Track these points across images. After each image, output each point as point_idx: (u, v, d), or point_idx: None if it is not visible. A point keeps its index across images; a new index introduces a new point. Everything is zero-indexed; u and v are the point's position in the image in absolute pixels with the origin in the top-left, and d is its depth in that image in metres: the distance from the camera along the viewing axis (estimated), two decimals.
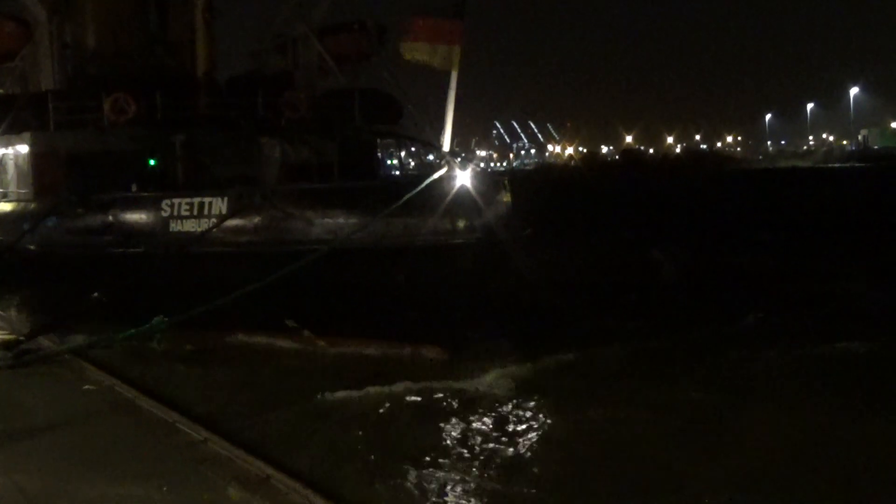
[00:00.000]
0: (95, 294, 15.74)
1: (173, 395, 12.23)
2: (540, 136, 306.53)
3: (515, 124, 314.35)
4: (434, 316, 15.49)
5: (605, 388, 13.80)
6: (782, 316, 18.81)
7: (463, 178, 16.31)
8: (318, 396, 13.37)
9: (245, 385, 14.21)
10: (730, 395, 13.25)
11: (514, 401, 13.10)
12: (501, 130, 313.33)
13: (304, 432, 11.76)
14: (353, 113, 21.53)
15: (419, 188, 15.95)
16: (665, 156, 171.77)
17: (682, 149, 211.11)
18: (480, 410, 12.68)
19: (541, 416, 12.58)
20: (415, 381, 13.94)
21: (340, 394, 13.46)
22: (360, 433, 11.77)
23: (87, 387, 11.74)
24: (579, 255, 27.46)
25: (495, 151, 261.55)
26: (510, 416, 12.47)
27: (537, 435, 11.77)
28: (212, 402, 12.93)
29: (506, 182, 18.22)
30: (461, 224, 16.13)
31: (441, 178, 16.25)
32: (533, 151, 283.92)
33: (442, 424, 12.13)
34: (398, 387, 13.77)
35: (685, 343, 16.69)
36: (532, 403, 13.03)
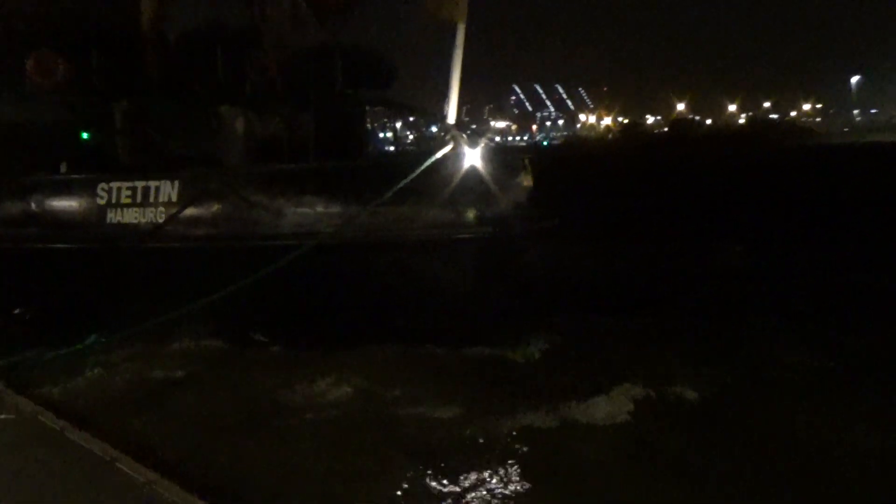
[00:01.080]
0: (17, 311, 15.77)
1: (111, 427, 12.26)
2: (570, 103, 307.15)
3: (539, 89, 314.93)
4: (431, 328, 15.55)
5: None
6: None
7: (472, 157, 16.35)
8: (293, 428, 13.40)
9: (200, 414, 14.22)
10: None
11: (515, 444, 13.04)
12: (522, 96, 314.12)
13: (275, 474, 11.78)
14: (334, 76, 21.46)
15: (418, 170, 15.99)
16: (725, 127, 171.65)
17: (747, 119, 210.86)
18: (478, 454, 12.62)
19: (526, 460, 12.46)
20: (408, 408, 13.97)
21: (320, 422, 13.49)
22: (344, 477, 11.78)
23: (4, 416, 11.79)
24: (618, 251, 27.39)
25: (514, 122, 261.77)
26: (506, 459, 12.41)
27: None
28: (159, 435, 12.93)
29: (526, 161, 18.23)
30: (469, 214, 16.18)
31: (445, 156, 16.29)
32: (561, 122, 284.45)
33: (434, 468, 12.10)
34: (383, 412, 13.82)
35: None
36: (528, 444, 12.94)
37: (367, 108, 24.43)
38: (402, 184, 15.75)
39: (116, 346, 16.33)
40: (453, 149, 16.44)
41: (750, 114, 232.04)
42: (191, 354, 17.01)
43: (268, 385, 15.51)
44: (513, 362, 16.38)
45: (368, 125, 26.00)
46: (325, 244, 15.78)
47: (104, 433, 11.32)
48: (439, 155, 16.30)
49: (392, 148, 30.19)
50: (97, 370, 16.04)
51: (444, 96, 17.32)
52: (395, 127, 28.70)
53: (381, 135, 31.41)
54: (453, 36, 17.47)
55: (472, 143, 16.79)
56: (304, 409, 14.18)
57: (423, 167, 16.10)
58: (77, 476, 9.56)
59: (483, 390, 14.87)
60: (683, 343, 17.41)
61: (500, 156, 18.54)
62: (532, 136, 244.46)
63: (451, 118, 17.33)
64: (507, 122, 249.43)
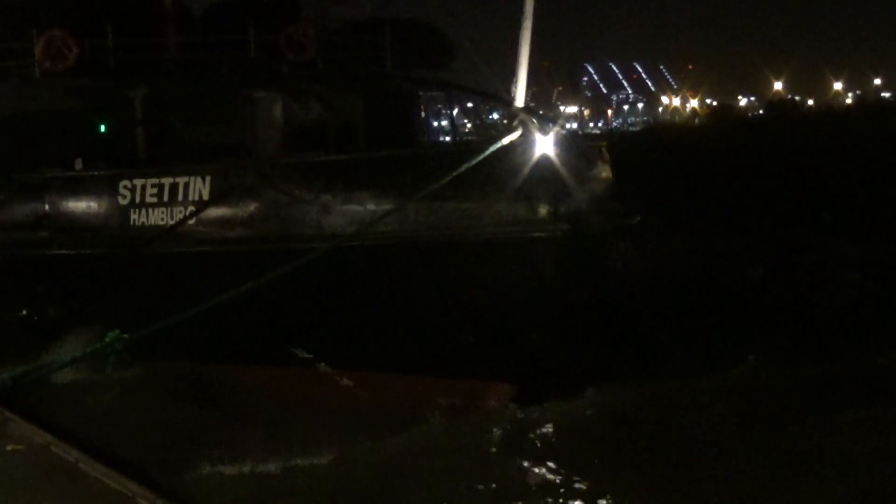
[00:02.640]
0: (23, 312, 15.79)
1: (133, 457, 12.22)
2: (650, 83, 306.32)
3: (615, 68, 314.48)
4: (500, 339, 15.39)
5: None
6: None
7: (543, 146, 16.15)
8: (339, 465, 13.34)
9: (235, 443, 14.17)
10: None
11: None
12: (596, 77, 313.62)
13: None
14: (383, 54, 21.39)
15: (479, 158, 15.82)
16: (829, 108, 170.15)
17: (855, 98, 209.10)
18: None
19: None
20: (477, 443, 13.86)
21: (373, 458, 13.40)
22: None
23: (11, 447, 11.79)
24: (707, 250, 27.25)
25: (587, 106, 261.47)
26: None
27: None
28: (191, 467, 12.93)
29: (603, 150, 18.05)
30: (541, 210, 15.99)
31: (512, 145, 16.10)
32: (641, 105, 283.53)
33: None
34: (460, 453, 13.71)
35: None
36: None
37: (422, 91, 24.31)
38: (461, 173, 15.56)
39: (138, 359, 16.28)
40: (522, 135, 16.25)
41: (858, 92, 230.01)
42: (218, 368, 16.94)
43: (309, 409, 15.48)
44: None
45: (423, 111, 25.87)
46: (376, 245, 15.68)
47: (123, 465, 11.27)
48: (505, 142, 16.12)
49: (449, 138, 30.03)
50: (114, 389, 16.03)
51: (510, 78, 17.11)
52: (451, 114, 28.46)
53: (436, 122, 31.33)
54: (522, 10, 17.27)
55: (544, 129, 16.57)
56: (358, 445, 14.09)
57: (486, 155, 15.91)
58: None
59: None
60: None
61: (575, 143, 18.35)
62: (608, 121, 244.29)
63: (520, 101, 17.11)
64: (579, 107, 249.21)
